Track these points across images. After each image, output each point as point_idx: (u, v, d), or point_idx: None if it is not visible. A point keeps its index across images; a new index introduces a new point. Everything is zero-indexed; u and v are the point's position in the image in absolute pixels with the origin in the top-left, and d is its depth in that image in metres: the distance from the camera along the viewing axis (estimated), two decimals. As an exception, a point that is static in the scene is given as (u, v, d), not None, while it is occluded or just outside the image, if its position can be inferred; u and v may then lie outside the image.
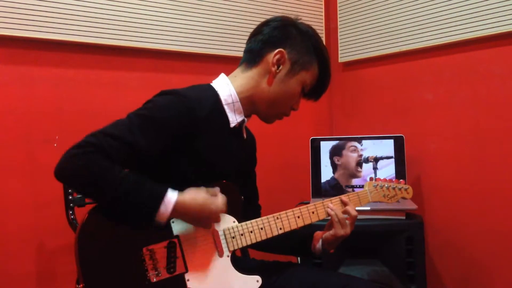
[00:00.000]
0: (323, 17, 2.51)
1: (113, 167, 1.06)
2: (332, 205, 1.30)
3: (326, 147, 2.11)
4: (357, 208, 1.80)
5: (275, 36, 1.26)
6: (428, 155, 2.13)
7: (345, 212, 1.30)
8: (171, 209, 1.08)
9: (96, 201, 1.10)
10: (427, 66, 2.14)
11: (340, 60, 2.47)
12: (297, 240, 1.39)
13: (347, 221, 1.28)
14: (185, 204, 1.10)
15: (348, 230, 1.28)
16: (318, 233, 1.37)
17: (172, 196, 1.09)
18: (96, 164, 1.04)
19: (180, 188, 1.13)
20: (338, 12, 2.47)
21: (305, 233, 1.32)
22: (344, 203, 1.31)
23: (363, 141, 2.09)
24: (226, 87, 1.26)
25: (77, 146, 1.06)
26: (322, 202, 1.31)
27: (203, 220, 1.14)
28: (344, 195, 1.34)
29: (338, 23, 2.46)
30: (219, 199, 1.15)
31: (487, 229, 1.93)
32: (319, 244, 1.34)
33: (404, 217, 1.84)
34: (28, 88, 1.76)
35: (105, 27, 1.84)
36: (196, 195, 1.12)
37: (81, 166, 1.04)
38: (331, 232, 1.29)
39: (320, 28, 2.49)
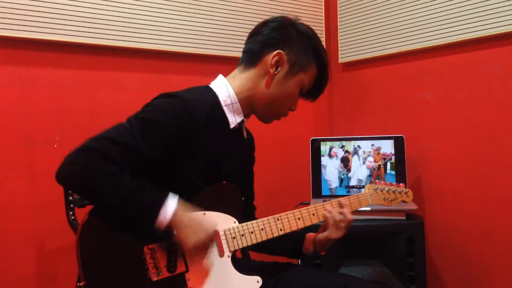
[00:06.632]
0: (323, 17, 2.51)
1: (114, 172, 1.05)
2: (330, 207, 1.29)
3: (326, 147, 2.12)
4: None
5: (274, 37, 1.26)
6: (429, 155, 2.13)
7: (341, 214, 1.28)
8: (170, 216, 1.07)
9: (96, 204, 1.10)
10: (427, 67, 2.14)
11: (340, 60, 2.47)
12: (289, 241, 1.37)
13: (342, 224, 1.26)
14: (183, 217, 1.10)
15: (341, 233, 1.27)
16: (310, 235, 1.36)
17: (172, 204, 1.08)
18: (97, 170, 1.04)
19: (183, 190, 1.13)
20: (338, 12, 2.47)
21: (297, 234, 1.31)
22: (341, 206, 1.30)
23: (361, 142, 2.09)
24: (225, 89, 1.26)
25: (78, 151, 1.06)
26: (323, 204, 1.30)
27: (192, 234, 1.12)
28: (344, 197, 1.33)
29: (338, 23, 2.47)
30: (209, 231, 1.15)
31: (487, 230, 1.93)
32: (311, 246, 1.34)
33: (404, 218, 1.84)
34: (28, 89, 1.76)
35: (103, 27, 1.84)
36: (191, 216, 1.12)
37: (82, 171, 1.05)
38: (325, 234, 1.27)
39: (320, 28, 2.49)
